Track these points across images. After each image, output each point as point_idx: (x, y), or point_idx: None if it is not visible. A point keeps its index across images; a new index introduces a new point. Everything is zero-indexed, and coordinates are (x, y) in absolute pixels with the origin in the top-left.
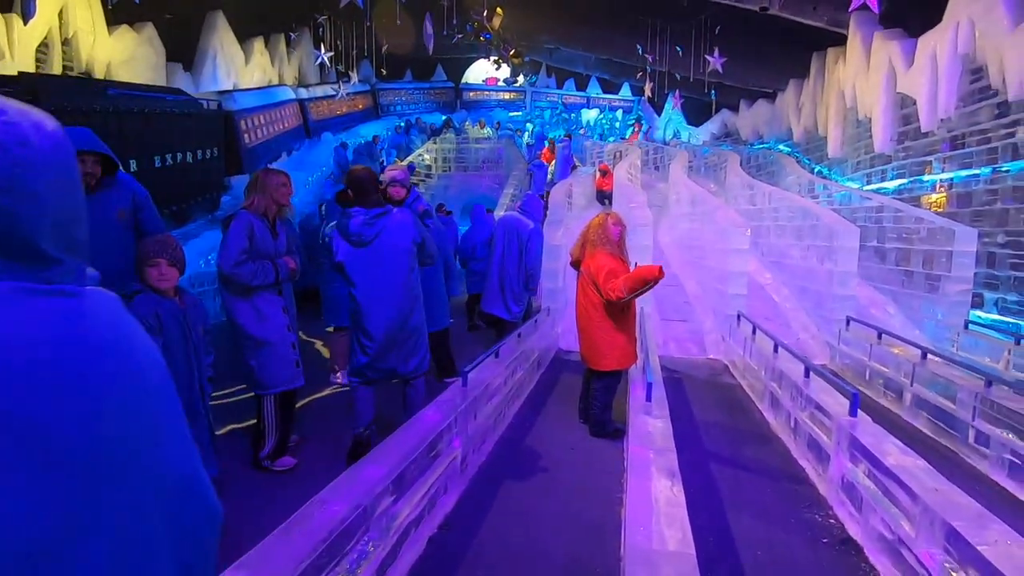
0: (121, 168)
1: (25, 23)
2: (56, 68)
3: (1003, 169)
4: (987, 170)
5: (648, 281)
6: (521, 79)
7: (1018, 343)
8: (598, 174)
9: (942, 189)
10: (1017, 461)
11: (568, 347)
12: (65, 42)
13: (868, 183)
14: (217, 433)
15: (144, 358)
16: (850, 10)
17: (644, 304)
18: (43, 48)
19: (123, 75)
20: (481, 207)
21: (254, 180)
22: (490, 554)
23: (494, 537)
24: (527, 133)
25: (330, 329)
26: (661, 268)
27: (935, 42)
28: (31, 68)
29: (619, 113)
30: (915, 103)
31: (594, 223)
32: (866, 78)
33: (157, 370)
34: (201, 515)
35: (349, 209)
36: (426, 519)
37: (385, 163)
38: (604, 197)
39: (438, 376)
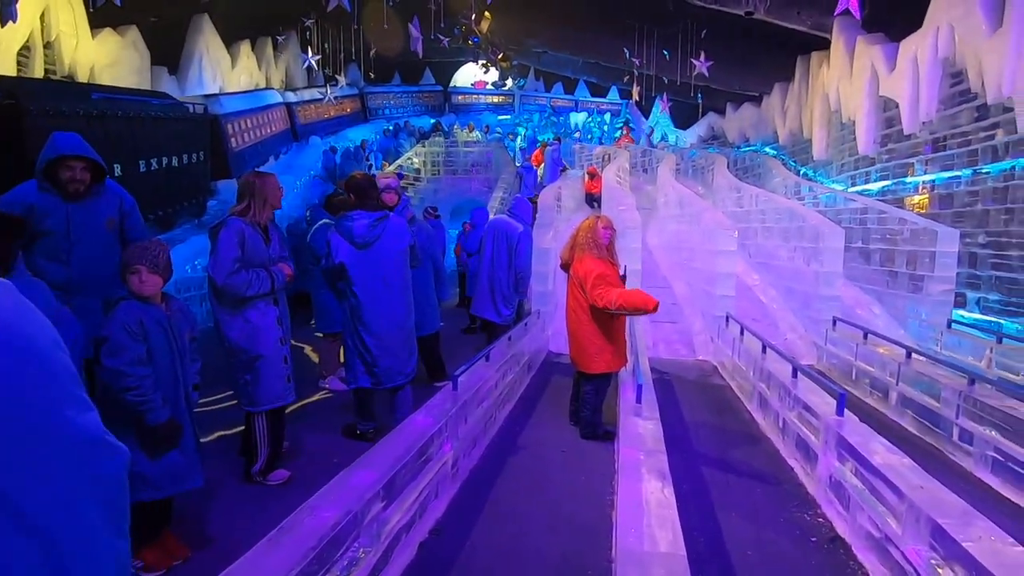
0: (109, 176)
1: (3, 25)
2: (38, 72)
3: (983, 171)
4: (968, 172)
5: (639, 308)
6: (510, 83)
7: (1000, 342)
8: (586, 177)
9: (924, 190)
10: (1000, 458)
11: (558, 350)
12: (47, 45)
13: (852, 185)
14: (206, 440)
15: (34, 333)
16: (835, 14)
17: None
18: (24, 51)
19: (107, 79)
20: (484, 209)
21: (248, 185)
22: (482, 558)
23: (485, 541)
24: (520, 137)
25: (319, 335)
26: (658, 305)
27: (916, 46)
28: (12, 71)
29: (607, 116)
30: (897, 106)
31: (584, 226)
32: (849, 82)
33: (48, 344)
34: (108, 459)
35: (350, 212)
36: (417, 524)
37: (374, 167)
38: (593, 200)
39: (428, 380)
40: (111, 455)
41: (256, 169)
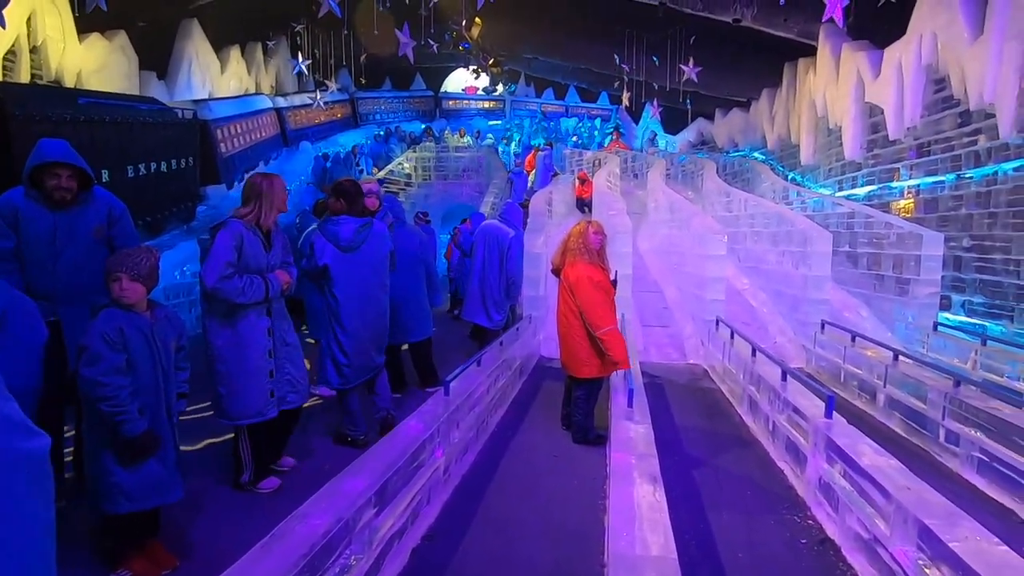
0: (97, 183)
1: None
2: (24, 77)
3: (967, 176)
4: (951, 177)
5: (614, 355)
6: (500, 88)
7: (984, 344)
8: (577, 182)
9: (910, 195)
10: (985, 459)
11: (550, 354)
12: (33, 50)
13: (840, 189)
14: (194, 448)
15: None
16: (822, 21)
17: (625, 310)
18: (10, 56)
19: (95, 84)
20: (482, 215)
21: (255, 187)
22: (474, 564)
23: (478, 546)
24: (515, 142)
25: (311, 340)
26: (626, 369)
27: (900, 53)
28: None
29: (597, 121)
30: (883, 112)
31: (575, 231)
32: (836, 88)
33: None
34: (31, 439)
35: (336, 217)
36: (409, 530)
37: (365, 172)
38: (584, 205)
39: (420, 385)
40: (33, 436)
41: (262, 171)
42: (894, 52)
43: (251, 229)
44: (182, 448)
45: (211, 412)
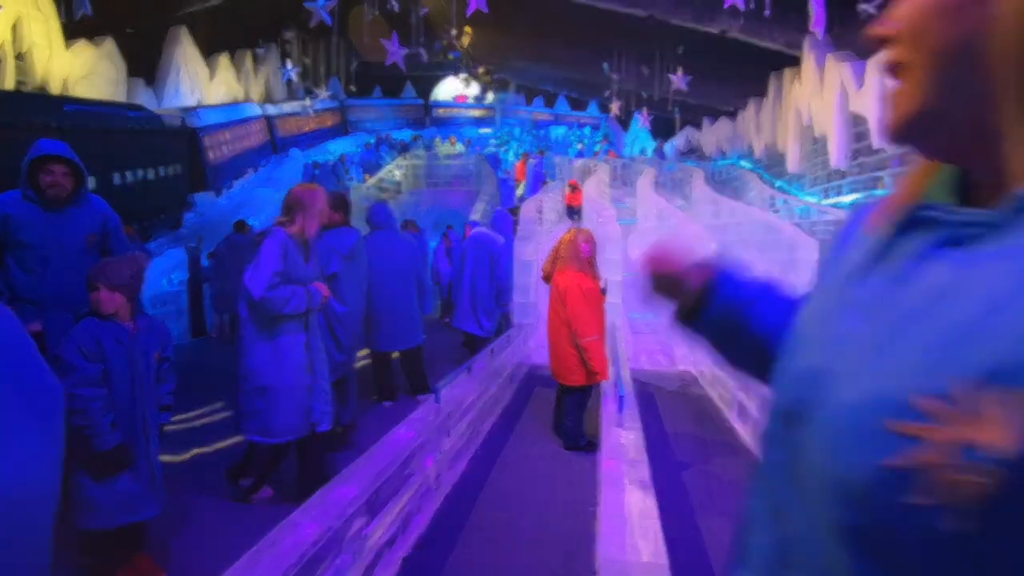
0: (88, 185)
1: None
2: (9, 84)
3: None
4: None
5: (594, 366)
6: (491, 96)
7: None
8: (568, 190)
9: None
10: None
11: (541, 362)
12: (19, 57)
13: (825, 197)
14: (181, 458)
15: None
16: (811, 29)
17: (615, 317)
18: None
19: (82, 91)
20: (477, 223)
21: (297, 199)
22: (465, 572)
23: (469, 555)
24: (512, 151)
25: None
26: (605, 379)
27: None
28: None
29: (587, 130)
30: (867, 121)
31: (565, 239)
32: (820, 98)
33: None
34: (43, 386)
35: (341, 228)
36: (400, 539)
37: (355, 180)
38: (574, 212)
39: (411, 393)
40: (47, 373)
41: (304, 181)
42: (877, 62)
43: (294, 240)
44: (169, 459)
45: (200, 422)
